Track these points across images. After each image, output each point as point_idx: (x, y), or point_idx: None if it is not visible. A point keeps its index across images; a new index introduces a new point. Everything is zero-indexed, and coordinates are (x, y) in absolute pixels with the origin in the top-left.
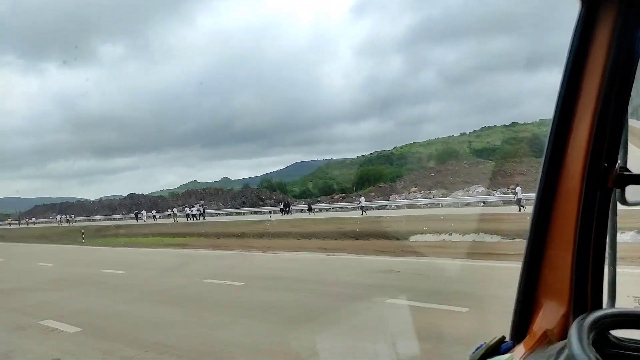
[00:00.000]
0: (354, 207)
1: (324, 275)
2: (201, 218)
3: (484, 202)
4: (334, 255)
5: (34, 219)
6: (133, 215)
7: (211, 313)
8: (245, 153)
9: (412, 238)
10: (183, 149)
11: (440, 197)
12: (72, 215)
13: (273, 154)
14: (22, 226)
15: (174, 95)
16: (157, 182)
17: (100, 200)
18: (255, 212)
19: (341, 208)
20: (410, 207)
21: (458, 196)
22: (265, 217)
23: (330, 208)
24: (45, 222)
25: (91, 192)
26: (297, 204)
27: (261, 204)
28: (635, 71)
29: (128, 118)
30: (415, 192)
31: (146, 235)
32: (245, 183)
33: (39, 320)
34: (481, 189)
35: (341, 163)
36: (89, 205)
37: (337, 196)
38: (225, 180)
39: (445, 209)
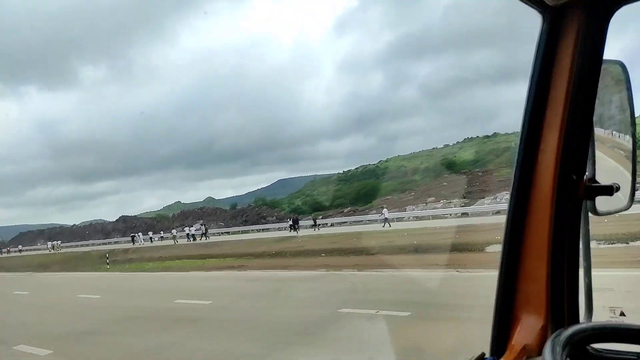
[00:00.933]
0: (369, 221)
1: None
2: (204, 238)
3: None
4: (459, 272)
5: (20, 247)
6: (128, 239)
7: None
8: (228, 172)
9: (489, 249)
10: (165, 170)
11: (462, 207)
12: (59, 242)
13: (256, 172)
14: (12, 254)
15: (156, 117)
16: (140, 205)
17: (91, 225)
18: (262, 230)
19: (355, 222)
20: (434, 217)
21: (485, 204)
22: (276, 234)
23: (344, 222)
24: (33, 250)
25: (71, 219)
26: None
27: (263, 221)
28: (597, 85)
29: (109, 141)
30: (432, 202)
31: (168, 259)
32: (233, 203)
33: None
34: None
35: (327, 179)
36: (79, 231)
37: (346, 210)
38: (210, 200)
39: (476, 217)
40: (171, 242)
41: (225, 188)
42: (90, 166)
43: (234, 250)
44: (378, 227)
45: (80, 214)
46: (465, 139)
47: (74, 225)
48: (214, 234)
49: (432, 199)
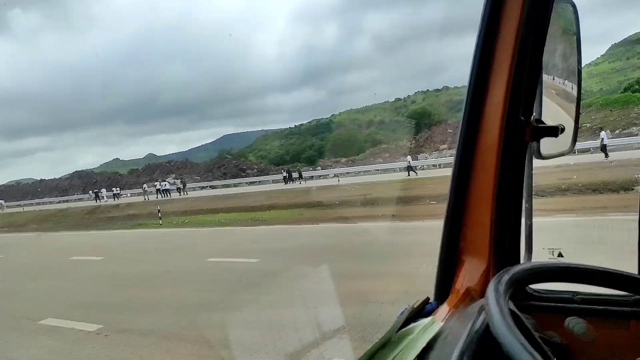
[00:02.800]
0: (377, 170)
1: None
2: (183, 193)
3: None
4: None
5: None
6: (87, 195)
7: None
8: (172, 128)
9: None
10: (105, 126)
11: None
12: (2, 202)
13: (202, 127)
14: None
15: (96, 69)
16: (75, 163)
17: (41, 181)
18: (252, 183)
19: (362, 172)
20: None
21: None
22: (273, 186)
23: (347, 173)
24: None
25: None
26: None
27: (243, 174)
28: (548, 26)
29: (42, 94)
30: (445, 149)
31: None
32: (184, 158)
33: None
34: None
35: (279, 133)
36: (28, 188)
37: (344, 160)
38: (151, 156)
39: None
40: (140, 198)
41: (168, 144)
42: (21, 121)
43: (249, 203)
44: (394, 176)
45: (9, 172)
46: (416, 92)
47: (17, 182)
48: (192, 189)
49: (445, 145)
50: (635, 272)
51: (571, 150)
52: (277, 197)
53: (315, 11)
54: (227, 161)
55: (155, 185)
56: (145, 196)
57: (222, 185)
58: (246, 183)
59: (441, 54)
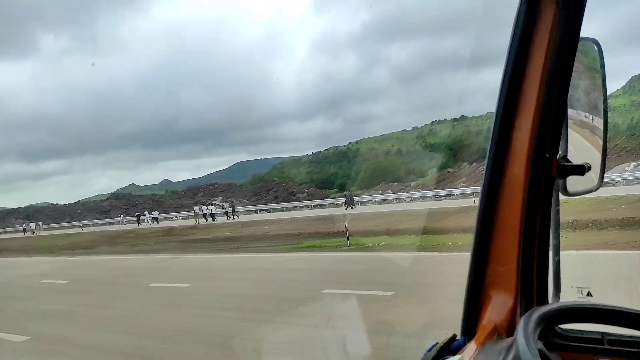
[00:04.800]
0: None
1: None
2: (232, 217)
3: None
4: None
5: None
6: (125, 218)
7: None
8: (187, 154)
9: None
10: (121, 150)
11: None
12: (40, 223)
13: (217, 154)
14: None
15: (117, 92)
16: (91, 187)
17: (78, 203)
18: (316, 207)
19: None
20: None
21: None
22: (335, 210)
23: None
24: (6, 232)
25: (13, 201)
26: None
27: (294, 198)
28: (573, 64)
29: (64, 117)
30: None
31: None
32: (191, 184)
33: None
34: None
35: (297, 161)
36: (66, 209)
37: (413, 184)
38: (166, 182)
39: None
40: (181, 222)
41: (182, 170)
42: (41, 143)
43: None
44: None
45: (24, 195)
46: (433, 121)
47: (53, 204)
48: (240, 213)
49: None
50: None
51: (598, 188)
52: (388, 222)
53: (335, 40)
54: (276, 184)
55: (202, 210)
56: (197, 219)
57: (274, 209)
58: (299, 207)
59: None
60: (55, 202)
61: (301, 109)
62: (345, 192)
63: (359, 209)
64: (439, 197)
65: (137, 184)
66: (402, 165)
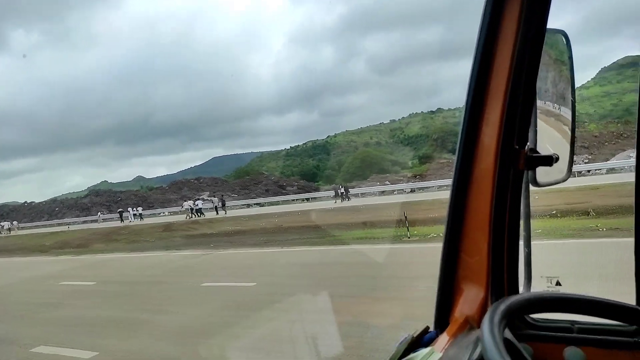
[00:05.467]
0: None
1: None
2: (222, 212)
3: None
4: None
5: None
6: (106, 215)
7: None
8: (162, 149)
9: None
10: (94, 146)
11: None
12: (16, 222)
13: (192, 149)
14: None
15: (90, 87)
16: (63, 185)
17: (56, 201)
18: (306, 200)
19: (421, 188)
20: None
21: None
22: (327, 204)
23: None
24: None
25: None
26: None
27: (283, 191)
28: (541, 56)
29: (35, 113)
30: None
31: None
32: (173, 180)
33: None
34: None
35: (275, 155)
36: (43, 207)
37: (409, 175)
38: (140, 179)
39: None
40: (169, 217)
41: (157, 166)
42: (11, 141)
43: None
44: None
45: None
46: (410, 114)
47: (27, 202)
48: (230, 207)
49: None
50: (634, 300)
51: (567, 179)
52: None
53: (312, 33)
54: (265, 177)
55: (190, 205)
56: (188, 215)
57: (268, 203)
58: (292, 200)
59: (436, 77)
60: (30, 200)
61: (278, 102)
62: (333, 185)
63: (356, 201)
64: (440, 187)
65: (109, 181)
66: (392, 156)
